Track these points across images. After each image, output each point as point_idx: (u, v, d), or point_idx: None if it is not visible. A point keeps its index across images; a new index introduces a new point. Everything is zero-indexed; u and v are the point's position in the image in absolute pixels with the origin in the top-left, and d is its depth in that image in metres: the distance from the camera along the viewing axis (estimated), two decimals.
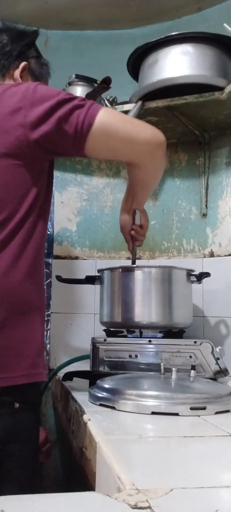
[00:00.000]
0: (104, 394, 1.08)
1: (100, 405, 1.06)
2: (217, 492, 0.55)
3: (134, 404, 1.00)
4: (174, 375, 1.12)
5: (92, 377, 1.28)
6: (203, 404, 0.99)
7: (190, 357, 1.40)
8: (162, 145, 1.18)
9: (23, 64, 1.26)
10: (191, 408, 0.97)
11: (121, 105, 1.76)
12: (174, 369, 1.13)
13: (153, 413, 0.96)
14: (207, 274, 1.64)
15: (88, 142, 1.08)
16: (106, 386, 1.11)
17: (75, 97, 1.11)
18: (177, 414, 0.95)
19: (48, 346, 1.91)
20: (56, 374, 1.75)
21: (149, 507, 0.49)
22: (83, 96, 1.79)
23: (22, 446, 1.04)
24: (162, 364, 1.22)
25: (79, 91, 1.88)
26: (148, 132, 1.16)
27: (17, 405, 1.02)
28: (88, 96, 1.77)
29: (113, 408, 1.02)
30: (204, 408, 0.98)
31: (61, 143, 1.10)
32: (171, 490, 0.54)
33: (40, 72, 1.32)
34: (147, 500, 0.50)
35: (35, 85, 1.11)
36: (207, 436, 0.82)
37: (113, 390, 1.07)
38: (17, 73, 1.25)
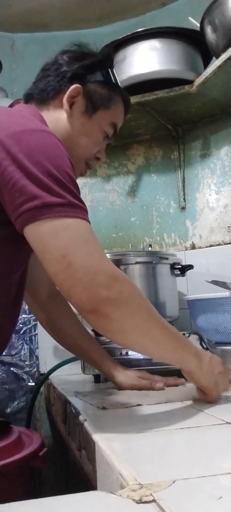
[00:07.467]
0: None
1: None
2: (219, 479, 0.55)
3: None
4: None
5: None
6: None
7: None
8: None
9: (73, 87, 1.04)
10: None
11: None
12: None
13: None
14: (190, 267, 1.65)
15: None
16: None
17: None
18: None
19: (37, 350, 1.88)
20: (48, 378, 1.73)
21: (154, 501, 0.49)
22: None
23: None
24: None
25: None
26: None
27: None
28: None
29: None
30: None
31: None
32: (174, 482, 0.54)
33: (102, 99, 1.08)
34: (151, 494, 0.50)
35: None
36: (204, 425, 0.82)
37: None
38: (65, 98, 1.04)
